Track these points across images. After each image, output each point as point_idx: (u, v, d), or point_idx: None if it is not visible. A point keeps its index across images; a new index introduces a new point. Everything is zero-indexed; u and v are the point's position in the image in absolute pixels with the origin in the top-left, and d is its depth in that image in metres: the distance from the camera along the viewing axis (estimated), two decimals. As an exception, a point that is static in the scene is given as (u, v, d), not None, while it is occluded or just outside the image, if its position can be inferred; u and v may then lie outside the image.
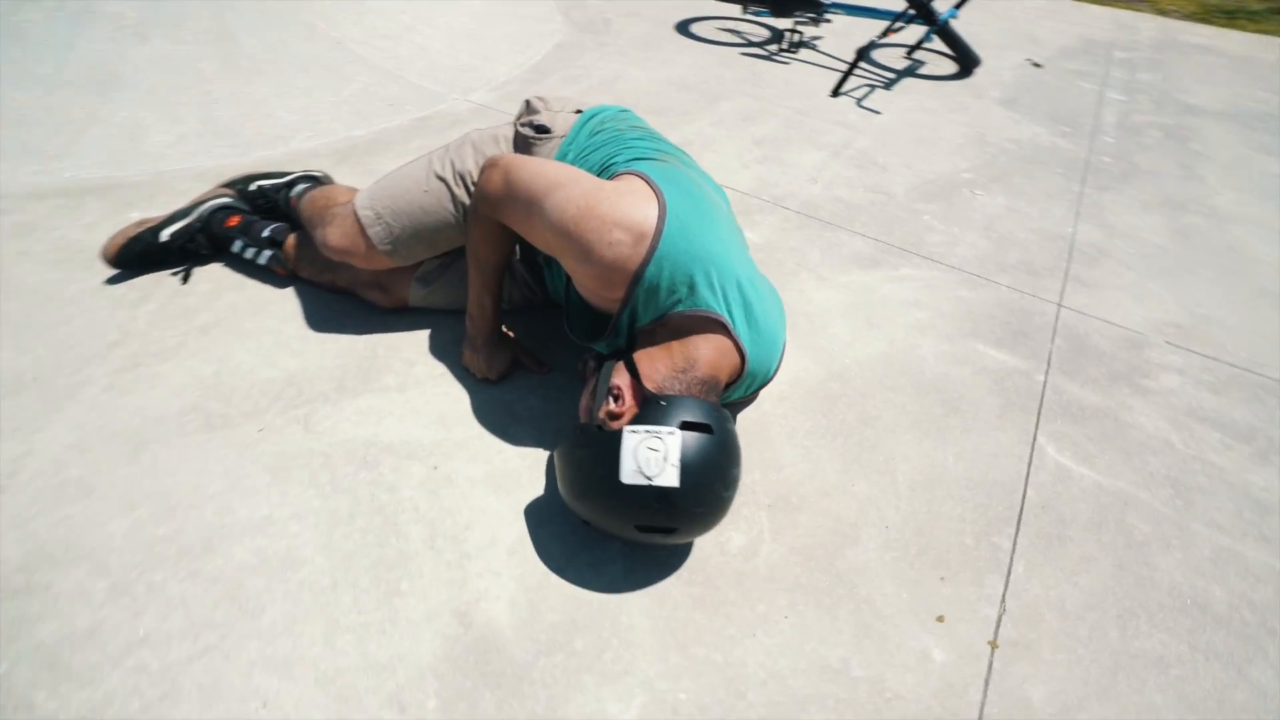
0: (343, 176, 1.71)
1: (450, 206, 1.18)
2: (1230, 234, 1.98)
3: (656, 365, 0.92)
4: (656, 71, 2.67)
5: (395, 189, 1.21)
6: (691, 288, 0.90)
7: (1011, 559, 1.03)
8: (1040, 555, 1.04)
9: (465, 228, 1.19)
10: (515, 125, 1.24)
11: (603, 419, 0.91)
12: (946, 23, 2.82)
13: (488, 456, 1.09)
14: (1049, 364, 1.41)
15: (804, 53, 3.02)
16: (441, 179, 1.19)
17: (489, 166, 1.05)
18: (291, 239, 1.36)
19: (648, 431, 0.84)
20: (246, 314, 1.31)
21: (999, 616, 0.95)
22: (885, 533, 1.04)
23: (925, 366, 1.37)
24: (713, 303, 0.92)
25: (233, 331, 1.27)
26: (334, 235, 1.22)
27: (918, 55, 3.09)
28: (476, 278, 1.14)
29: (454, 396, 1.19)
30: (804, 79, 2.75)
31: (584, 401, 1.00)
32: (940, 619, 0.94)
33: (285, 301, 1.35)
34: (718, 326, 0.93)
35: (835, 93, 2.62)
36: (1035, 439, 1.23)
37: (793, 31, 3.04)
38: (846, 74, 2.65)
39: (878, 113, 2.52)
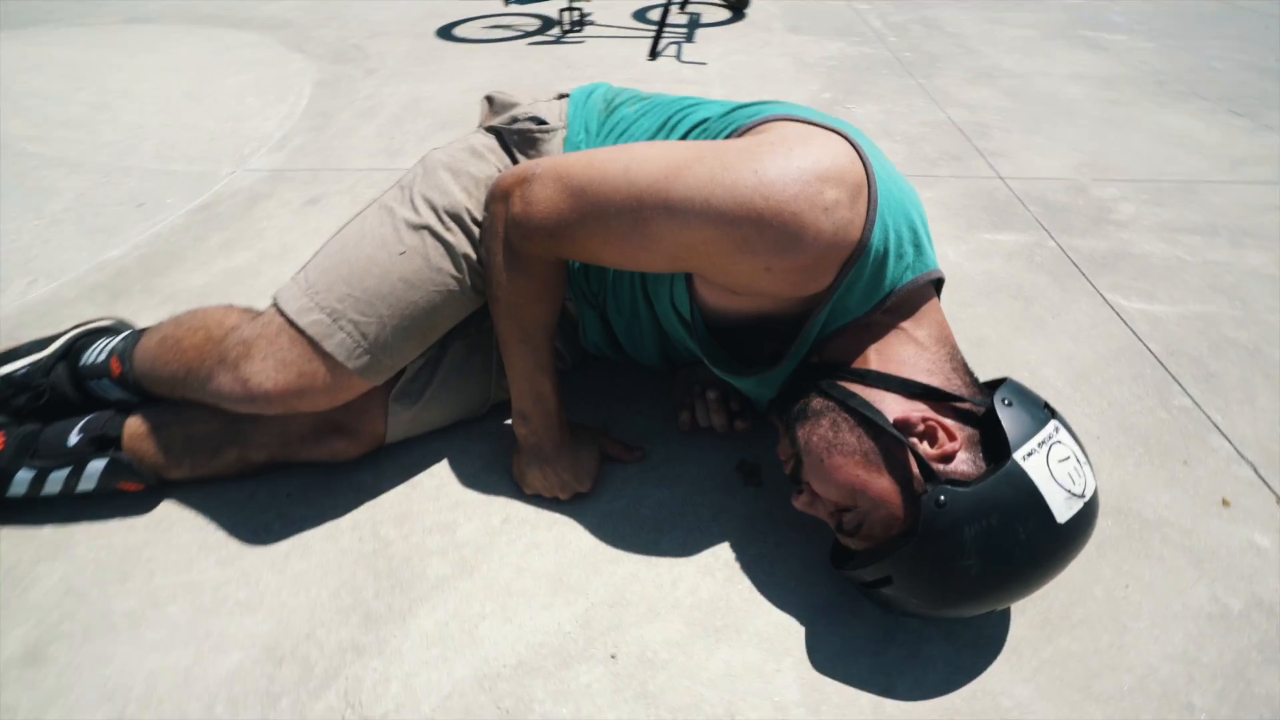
0: (130, 313, 1.13)
1: (447, 265, 0.78)
2: (1037, 85, 2.25)
3: (906, 368, 0.65)
4: (456, 83, 2.29)
5: (349, 266, 0.77)
6: (917, 244, 0.66)
7: (1207, 414, 0.97)
8: (1219, 398, 1.00)
9: (474, 291, 0.81)
10: (490, 128, 0.87)
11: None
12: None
13: (675, 597, 0.74)
14: (1045, 229, 1.42)
15: (588, 29, 2.86)
16: (422, 228, 0.78)
17: (521, 183, 0.69)
18: (137, 425, 0.82)
19: (1040, 443, 0.58)
20: (106, 592, 0.75)
21: (1256, 471, 0.88)
22: (1098, 442, 0.92)
23: (966, 270, 1.29)
24: (933, 257, 0.69)
25: (96, 637, 0.71)
26: (265, 374, 0.74)
27: (692, 8, 3.10)
28: (521, 355, 0.76)
29: (550, 541, 0.80)
30: (612, 51, 2.58)
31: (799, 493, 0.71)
32: (1225, 503, 0.84)
33: (170, 536, 0.82)
34: (935, 288, 0.71)
35: (653, 55, 2.49)
36: (1104, 297, 1.21)
37: (570, 10, 2.85)
38: (658, 35, 2.54)
39: (704, 63, 2.44)
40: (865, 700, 0.65)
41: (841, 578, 0.75)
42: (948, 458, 0.60)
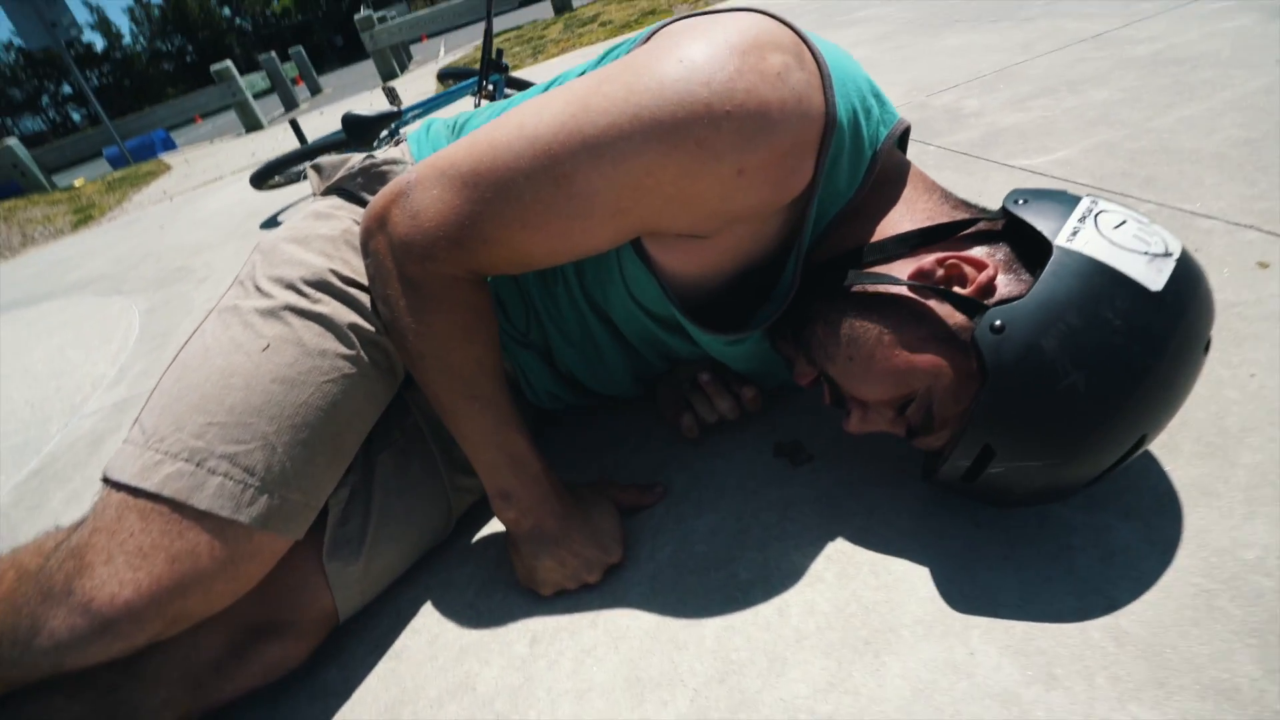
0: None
1: (331, 344, 0.60)
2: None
3: (900, 227, 0.54)
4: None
5: (199, 391, 0.57)
6: (876, 94, 0.56)
7: (1178, 207, 0.93)
8: (1173, 192, 0.97)
9: (377, 369, 0.63)
10: (328, 189, 0.72)
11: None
12: (506, 68, 2.96)
13: (794, 630, 0.55)
14: (918, 141, 1.44)
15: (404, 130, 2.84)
16: (282, 310, 0.60)
17: (398, 198, 0.54)
18: None
19: (1080, 218, 0.46)
20: None
21: (1259, 229, 0.83)
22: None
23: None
24: (891, 105, 0.59)
25: None
26: (116, 580, 0.51)
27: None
28: (473, 415, 0.58)
29: (602, 641, 0.59)
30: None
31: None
32: (1262, 265, 0.77)
33: None
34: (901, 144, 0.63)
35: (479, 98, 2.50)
36: (1009, 165, 1.20)
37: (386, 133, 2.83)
38: (482, 77, 2.56)
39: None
40: (1098, 629, 0.47)
41: (954, 495, 0.59)
42: (988, 289, 0.48)
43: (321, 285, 0.62)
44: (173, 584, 0.51)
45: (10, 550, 0.60)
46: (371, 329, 0.63)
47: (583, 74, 0.63)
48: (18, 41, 26.77)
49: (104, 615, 0.50)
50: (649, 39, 0.55)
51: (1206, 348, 0.47)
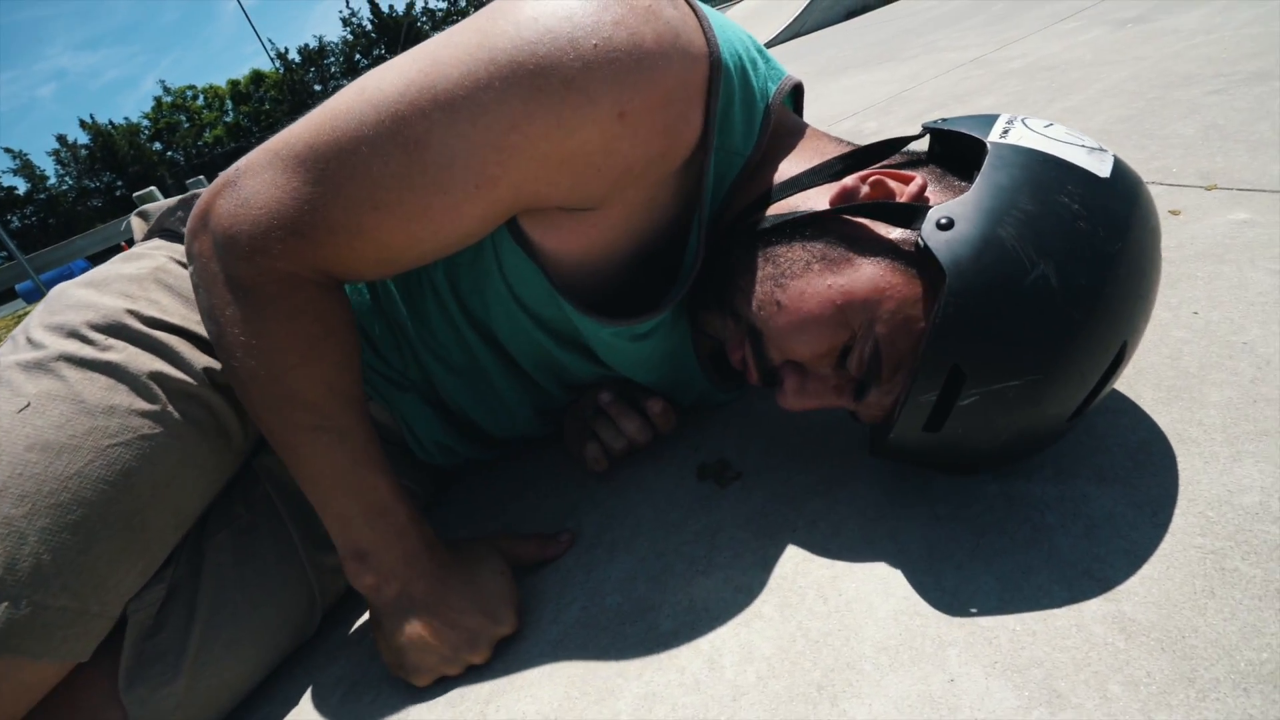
0: None
1: (122, 397, 0.48)
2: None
3: (814, 161, 0.48)
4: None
5: None
6: (759, 49, 0.51)
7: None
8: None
9: (198, 429, 0.51)
10: (153, 229, 0.61)
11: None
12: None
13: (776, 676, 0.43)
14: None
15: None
16: (54, 360, 0.48)
17: (225, 188, 0.44)
18: None
19: (1009, 120, 0.41)
20: None
21: (1163, 182, 0.80)
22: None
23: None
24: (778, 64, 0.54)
25: None
26: None
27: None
28: (319, 452, 0.47)
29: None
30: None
31: None
32: (1174, 213, 0.74)
33: None
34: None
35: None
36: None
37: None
38: None
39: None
40: (1099, 622, 0.37)
41: (911, 465, 0.50)
42: (920, 200, 0.41)
43: (114, 329, 0.50)
44: None
45: None
46: (189, 380, 0.51)
47: None
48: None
49: None
50: None
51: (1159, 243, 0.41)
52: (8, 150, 29.76)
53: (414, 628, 0.48)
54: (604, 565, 0.55)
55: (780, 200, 0.46)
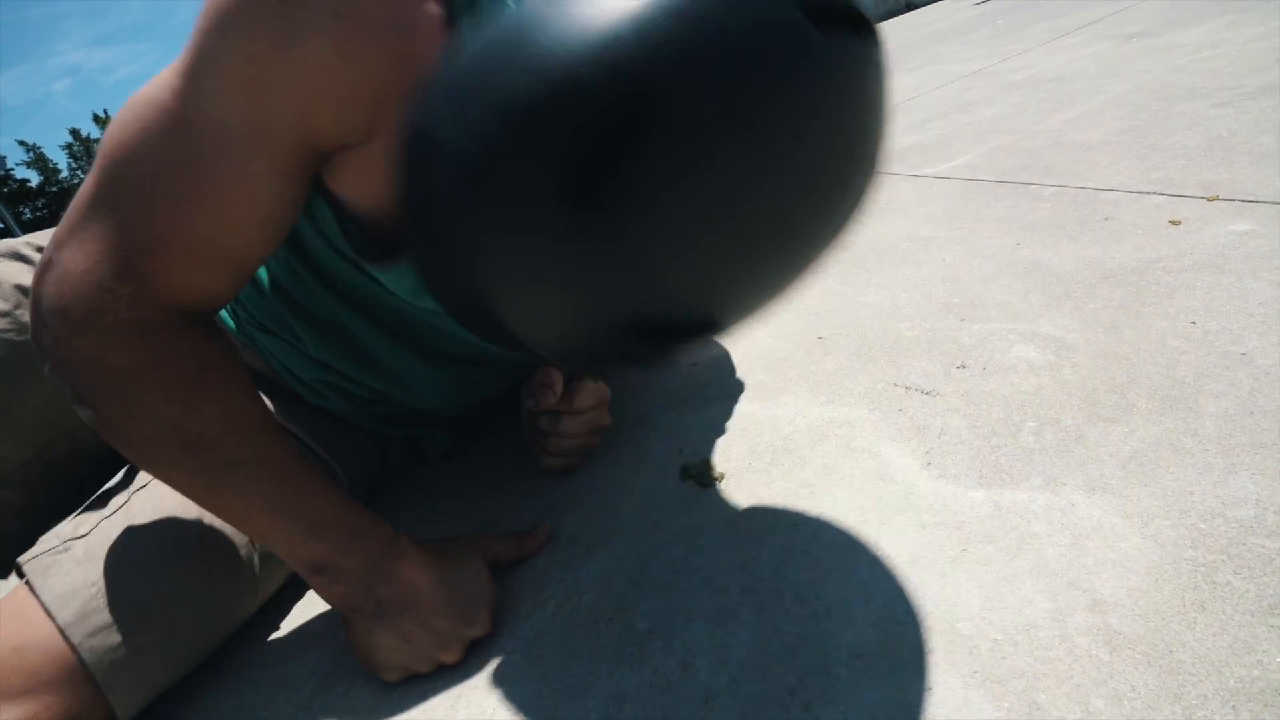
0: None
1: None
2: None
3: None
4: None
5: None
6: None
7: (1080, 186, 0.90)
8: (1072, 176, 0.94)
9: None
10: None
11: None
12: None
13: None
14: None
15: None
16: None
17: (43, 270, 0.41)
18: None
19: None
20: None
21: (1161, 192, 0.79)
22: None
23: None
24: None
25: None
26: None
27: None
28: (240, 486, 0.44)
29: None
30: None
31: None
32: (1174, 222, 0.73)
33: None
34: None
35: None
36: (917, 175, 1.19)
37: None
38: None
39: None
40: (1083, 634, 0.36)
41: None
42: None
43: None
44: None
45: None
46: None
47: None
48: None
49: None
50: None
51: None
52: (22, 143, 30.00)
53: (383, 629, 0.46)
54: (580, 564, 0.54)
55: None
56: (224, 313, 0.64)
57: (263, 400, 0.47)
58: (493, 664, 0.47)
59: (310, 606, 0.60)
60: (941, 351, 0.64)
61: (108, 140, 0.40)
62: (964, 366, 0.61)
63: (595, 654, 0.45)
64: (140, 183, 0.39)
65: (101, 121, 29.52)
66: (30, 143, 30.26)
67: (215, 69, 0.37)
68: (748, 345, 0.78)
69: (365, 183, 0.43)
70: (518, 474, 0.69)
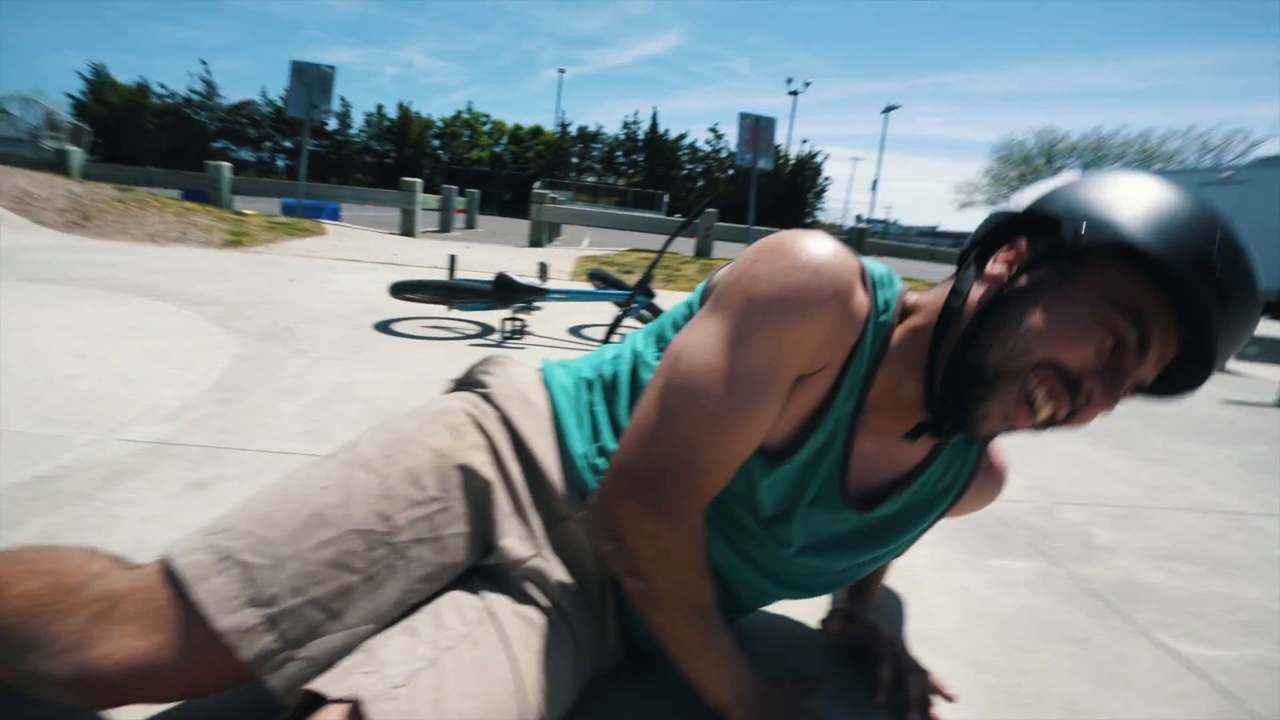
0: None
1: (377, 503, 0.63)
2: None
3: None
4: (396, 372, 2.16)
5: (270, 504, 0.61)
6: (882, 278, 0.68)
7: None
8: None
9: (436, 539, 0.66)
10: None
11: None
12: (653, 295, 3.21)
13: None
14: (1044, 554, 1.34)
15: (527, 338, 2.99)
16: (357, 464, 0.66)
17: (640, 514, 0.61)
18: None
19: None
20: None
21: None
22: None
23: (1000, 605, 1.13)
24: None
25: None
26: (118, 644, 0.51)
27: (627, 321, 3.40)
28: (704, 628, 0.65)
29: None
30: (550, 356, 2.65)
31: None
32: None
33: None
34: None
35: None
36: (1151, 638, 1.07)
37: (512, 319, 3.00)
38: (607, 338, 2.67)
39: (647, 374, 2.54)
40: None
41: None
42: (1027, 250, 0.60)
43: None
44: (143, 667, 0.51)
45: (51, 548, 0.60)
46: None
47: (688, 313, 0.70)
48: (277, 102, 32.89)
49: (86, 671, 0.50)
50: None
51: None
52: (343, 99, 37.03)
53: None
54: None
55: (952, 318, 0.60)
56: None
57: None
58: None
59: None
60: None
61: (666, 386, 0.59)
62: None
63: None
64: (700, 423, 0.58)
65: (402, 109, 35.90)
66: (348, 100, 37.22)
67: (755, 336, 0.57)
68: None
69: (793, 401, 0.61)
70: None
